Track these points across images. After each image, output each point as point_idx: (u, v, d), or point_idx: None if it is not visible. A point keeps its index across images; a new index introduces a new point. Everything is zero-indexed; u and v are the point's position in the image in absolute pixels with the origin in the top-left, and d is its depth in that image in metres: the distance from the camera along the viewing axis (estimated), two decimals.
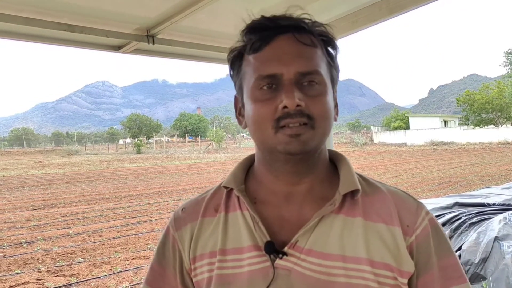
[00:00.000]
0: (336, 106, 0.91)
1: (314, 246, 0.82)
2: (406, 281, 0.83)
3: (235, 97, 0.95)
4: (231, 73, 0.93)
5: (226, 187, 0.94)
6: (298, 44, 0.83)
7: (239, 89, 0.91)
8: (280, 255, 0.82)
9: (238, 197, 0.91)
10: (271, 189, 0.90)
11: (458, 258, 0.89)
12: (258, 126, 0.84)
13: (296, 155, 0.82)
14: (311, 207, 0.86)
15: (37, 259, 7.31)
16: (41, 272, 6.62)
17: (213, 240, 0.90)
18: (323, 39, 0.87)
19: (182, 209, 0.98)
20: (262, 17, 0.85)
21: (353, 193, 0.87)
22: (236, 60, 0.90)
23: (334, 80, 0.89)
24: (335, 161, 0.95)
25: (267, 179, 0.90)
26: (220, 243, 0.88)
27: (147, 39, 2.19)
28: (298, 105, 0.79)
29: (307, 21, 0.85)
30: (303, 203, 0.87)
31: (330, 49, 0.88)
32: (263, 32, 0.84)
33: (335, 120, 0.90)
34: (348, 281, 0.80)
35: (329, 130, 0.85)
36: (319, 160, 0.89)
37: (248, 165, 0.97)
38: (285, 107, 0.79)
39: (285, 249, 0.83)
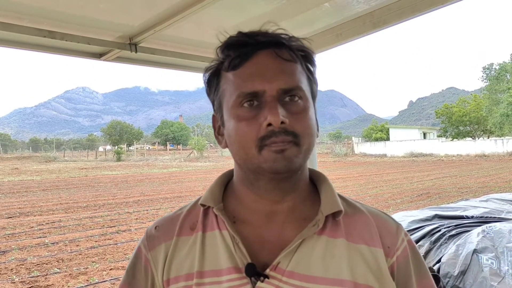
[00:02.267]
0: (316, 121, 0.89)
1: (297, 268, 0.80)
2: None
3: (213, 116, 0.92)
4: (208, 91, 0.90)
5: (203, 205, 0.90)
6: (279, 60, 0.81)
7: (218, 107, 0.88)
8: (262, 278, 0.79)
9: (216, 216, 0.88)
10: (252, 208, 0.87)
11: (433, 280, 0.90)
12: (241, 145, 0.81)
13: (282, 173, 0.80)
14: (293, 227, 0.84)
15: (11, 269, 7.10)
16: (14, 283, 6.42)
17: (189, 261, 0.85)
18: (302, 54, 0.85)
19: (155, 227, 0.93)
20: (240, 33, 0.83)
21: (334, 214, 0.85)
22: (213, 78, 0.87)
23: (314, 94, 0.88)
24: (315, 181, 0.93)
25: (248, 198, 0.87)
26: (197, 265, 0.84)
27: (129, 47, 2.16)
28: (282, 122, 0.77)
29: (285, 36, 0.84)
30: (284, 223, 0.85)
31: (308, 64, 0.87)
32: (242, 48, 0.81)
33: (317, 135, 0.89)
34: None
35: (313, 146, 0.84)
36: (301, 179, 0.87)
37: (225, 182, 0.94)
38: (269, 124, 0.77)
39: (267, 271, 0.80)
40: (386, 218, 0.90)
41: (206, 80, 0.89)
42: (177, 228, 0.90)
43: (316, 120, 0.89)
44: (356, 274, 0.81)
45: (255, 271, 0.79)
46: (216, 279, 0.82)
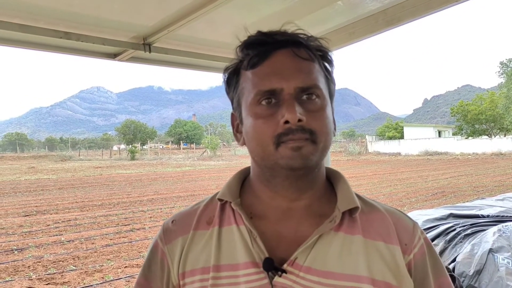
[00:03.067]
0: (334, 121, 0.90)
1: (314, 264, 0.81)
2: None
3: (232, 114, 0.93)
4: (227, 89, 0.91)
5: (221, 200, 0.91)
6: (297, 59, 0.82)
7: (237, 105, 0.89)
8: (279, 273, 0.80)
9: (233, 211, 0.88)
10: (269, 204, 0.88)
11: (450, 278, 0.90)
12: (259, 143, 0.82)
13: (298, 170, 0.81)
14: (310, 224, 0.85)
15: (28, 266, 7.22)
16: (32, 280, 6.53)
17: (206, 255, 0.86)
18: (320, 54, 0.86)
19: (172, 221, 0.94)
20: (259, 32, 0.84)
21: (351, 211, 0.86)
22: (232, 76, 0.88)
23: (331, 94, 0.88)
24: (331, 178, 0.93)
25: (265, 195, 0.88)
26: (213, 259, 0.85)
27: (143, 47, 2.18)
28: (299, 120, 0.77)
29: (303, 36, 0.85)
30: (301, 219, 0.86)
31: (326, 64, 0.88)
32: (261, 47, 0.83)
33: (334, 134, 0.90)
34: None
35: (329, 144, 0.84)
36: (318, 176, 0.88)
37: (243, 178, 0.95)
38: (286, 122, 0.78)
39: (284, 266, 0.80)
40: (402, 216, 0.91)
41: (225, 79, 0.90)
42: (194, 222, 0.91)
43: (333, 119, 0.90)
44: (373, 270, 0.81)
45: (272, 266, 0.80)
46: (233, 273, 0.83)
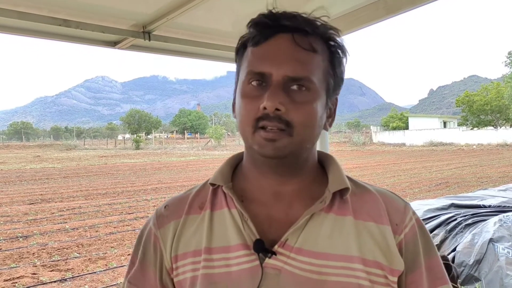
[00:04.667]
0: (330, 117, 0.89)
1: (304, 245, 0.81)
2: (396, 279, 0.83)
3: (235, 88, 0.93)
4: (236, 61, 0.91)
5: (212, 184, 0.91)
6: (295, 47, 0.80)
7: (237, 79, 0.89)
8: (269, 254, 0.80)
9: (225, 195, 0.89)
10: (259, 187, 0.88)
11: (441, 258, 0.91)
12: (241, 122, 0.83)
13: (271, 158, 0.81)
14: (301, 206, 0.85)
15: (33, 253, 7.31)
16: (36, 266, 6.62)
17: (197, 238, 0.87)
18: (326, 45, 0.84)
19: (165, 207, 0.95)
20: (269, 12, 0.83)
21: (341, 193, 0.86)
22: (239, 51, 0.88)
23: (330, 89, 0.85)
24: (323, 162, 0.93)
25: (255, 178, 0.89)
26: (205, 242, 0.85)
27: (143, 35, 2.18)
28: (277, 109, 0.77)
29: (312, 23, 0.82)
30: (292, 202, 0.86)
31: (333, 57, 0.85)
32: (264, 28, 0.82)
33: (326, 129, 0.89)
34: (340, 279, 0.79)
35: (310, 138, 0.83)
36: (305, 164, 0.88)
37: (235, 163, 0.95)
38: (264, 108, 0.78)
39: (275, 248, 0.81)
40: (393, 197, 0.91)
41: (236, 50, 0.90)
42: (186, 207, 0.92)
43: (332, 115, 0.89)
44: (364, 250, 0.82)
45: (263, 248, 0.80)
46: (224, 255, 0.83)
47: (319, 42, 0.83)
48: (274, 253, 0.80)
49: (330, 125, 0.90)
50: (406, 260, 0.85)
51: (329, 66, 0.84)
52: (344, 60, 0.87)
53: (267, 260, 0.80)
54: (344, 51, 0.86)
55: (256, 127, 0.79)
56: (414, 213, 0.90)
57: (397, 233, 0.85)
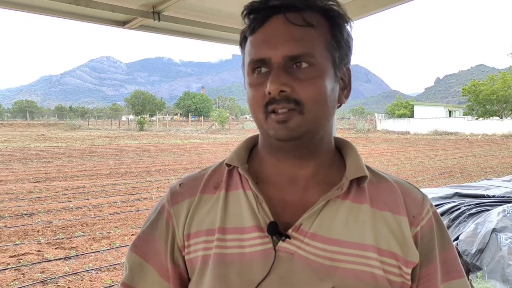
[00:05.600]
0: (345, 89, 0.87)
1: (319, 231, 0.80)
2: (410, 271, 0.82)
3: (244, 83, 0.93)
4: (242, 57, 0.90)
5: (228, 165, 0.91)
6: (289, 25, 0.78)
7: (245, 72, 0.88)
8: (283, 238, 0.80)
9: (240, 176, 0.88)
10: (274, 171, 0.87)
11: (457, 252, 0.90)
12: (253, 111, 0.83)
13: (286, 141, 0.81)
14: (317, 191, 0.84)
15: (38, 231, 7.39)
16: (41, 244, 6.70)
17: (211, 217, 0.86)
18: (325, 18, 0.82)
19: (180, 184, 0.94)
20: None
21: (359, 181, 0.85)
22: (242, 44, 0.87)
23: (336, 61, 0.83)
24: (341, 148, 0.92)
25: (270, 161, 0.88)
26: (219, 221, 0.85)
27: (152, 15, 2.16)
28: (282, 91, 0.76)
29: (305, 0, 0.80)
30: (307, 186, 0.85)
31: (336, 27, 0.83)
32: (257, 13, 0.81)
33: (343, 101, 0.87)
34: (353, 267, 0.78)
35: (323, 114, 0.82)
36: (321, 145, 0.87)
37: (251, 145, 0.95)
38: (269, 93, 0.77)
39: (289, 231, 0.80)
40: (412, 188, 0.90)
41: (239, 49, 0.89)
42: (201, 186, 0.91)
43: (347, 87, 0.87)
44: (379, 239, 0.81)
45: (277, 230, 0.80)
46: (238, 236, 0.83)
47: (314, 15, 0.80)
48: (288, 237, 0.80)
49: (346, 97, 0.88)
50: (421, 253, 0.84)
51: (331, 38, 0.82)
52: (347, 27, 0.85)
53: (280, 243, 0.80)
54: (345, 19, 0.84)
55: (267, 112, 0.79)
56: (431, 205, 0.89)
57: (414, 224, 0.84)
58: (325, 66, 0.80)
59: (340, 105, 0.88)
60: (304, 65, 0.78)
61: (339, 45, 0.83)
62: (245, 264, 0.81)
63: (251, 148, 0.94)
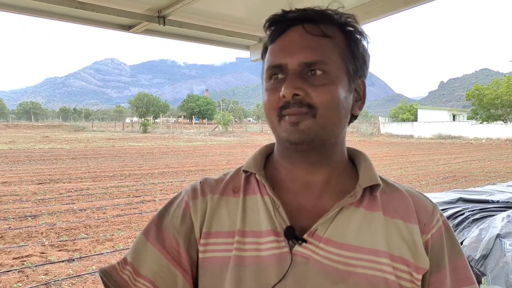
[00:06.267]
0: (359, 100, 0.90)
1: (333, 236, 0.83)
2: (420, 277, 0.84)
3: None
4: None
5: (246, 171, 0.94)
6: (306, 35, 0.84)
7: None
8: (300, 242, 0.82)
9: (257, 182, 0.91)
10: (289, 176, 0.90)
11: (467, 260, 0.92)
12: (267, 116, 0.87)
13: (298, 144, 0.83)
14: (330, 198, 0.87)
15: (41, 233, 7.41)
16: (44, 245, 6.71)
17: (231, 220, 0.89)
18: (343, 30, 0.86)
19: (200, 182, 0.97)
20: (282, 11, 0.87)
21: (372, 189, 0.88)
22: (263, 55, 0.92)
23: (350, 71, 0.87)
24: (354, 158, 0.95)
25: (285, 167, 0.91)
26: (239, 224, 0.87)
27: (158, 20, 2.17)
28: (296, 94, 0.80)
29: (327, 12, 0.86)
30: (321, 193, 0.88)
31: (352, 40, 0.87)
32: (276, 24, 0.87)
33: (356, 113, 0.90)
34: (366, 272, 0.81)
35: (335, 120, 0.84)
36: (333, 153, 0.89)
37: (268, 152, 0.98)
38: (284, 96, 0.81)
39: (305, 236, 0.83)
40: (422, 198, 0.93)
41: (262, 60, 0.94)
42: (221, 188, 0.94)
43: (361, 98, 0.90)
44: (391, 246, 0.84)
45: (293, 235, 0.82)
46: (256, 239, 0.85)
47: (330, 28, 0.85)
48: (304, 241, 0.82)
49: (360, 108, 0.91)
50: (431, 260, 0.86)
51: (346, 49, 0.86)
52: (364, 42, 0.89)
53: (296, 247, 0.83)
54: (361, 33, 0.88)
55: (280, 116, 0.83)
56: (441, 214, 0.91)
57: (425, 232, 0.87)
58: (339, 74, 0.84)
59: (354, 117, 0.92)
60: (318, 72, 0.82)
61: (354, 57, 0.88)
62: (261, 267, 0.83)
63: (267, 155, 0.98)
